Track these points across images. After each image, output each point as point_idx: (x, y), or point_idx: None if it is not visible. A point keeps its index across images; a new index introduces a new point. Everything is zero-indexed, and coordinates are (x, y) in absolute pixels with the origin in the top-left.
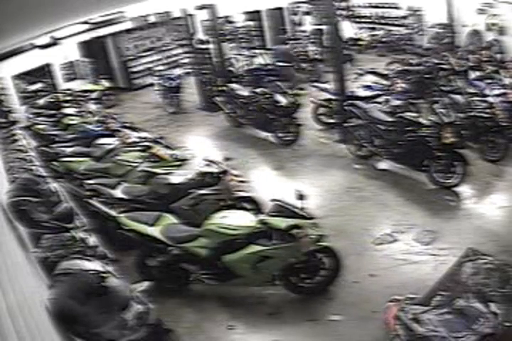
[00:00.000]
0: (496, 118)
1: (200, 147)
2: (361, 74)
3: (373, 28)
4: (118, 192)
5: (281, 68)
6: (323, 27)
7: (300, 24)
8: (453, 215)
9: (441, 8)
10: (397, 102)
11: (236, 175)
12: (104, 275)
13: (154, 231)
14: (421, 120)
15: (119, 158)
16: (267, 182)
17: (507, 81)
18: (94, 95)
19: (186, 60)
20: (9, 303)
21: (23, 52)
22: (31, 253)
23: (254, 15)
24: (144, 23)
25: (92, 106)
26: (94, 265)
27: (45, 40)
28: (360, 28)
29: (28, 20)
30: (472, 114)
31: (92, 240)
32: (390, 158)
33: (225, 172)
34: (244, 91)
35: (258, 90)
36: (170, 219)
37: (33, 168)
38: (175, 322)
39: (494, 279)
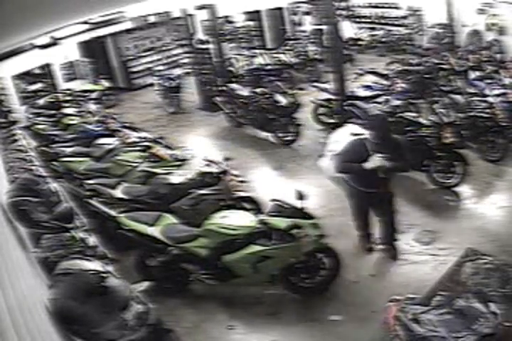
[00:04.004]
0: (496, 118)
1: (200, 147)
2: (361, 74)
3: (373, 28)
4: (118, 192)
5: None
6: (323, 27)
7: (300, 24)
8: (453, 215)
9: (441, 8)
10: (397, 102)
11: (236, 175)
12: (104, 275)
13: (154, 231)
14: (421, 120)
15: (119, 158)
16: (267, 182)
17: (507, 81)
18: (94, 95)
19: (186, 60)
20: (9, 303)
21: (23, 52)
22: (31, 253)
23: (254, 15)
24: (143, 23)
25: (92, 106)
26: (94, 265)
27: (45, 40)
28: (360, 28)
29: (28, 20)
30: (472, 114)
31: (92, 240)
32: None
33: (225, 172)
34: (244, 92)
35: (258, 90)
36: (170, 219)
37: (33, 168)
38: (175, 322)
39: (494, 279)
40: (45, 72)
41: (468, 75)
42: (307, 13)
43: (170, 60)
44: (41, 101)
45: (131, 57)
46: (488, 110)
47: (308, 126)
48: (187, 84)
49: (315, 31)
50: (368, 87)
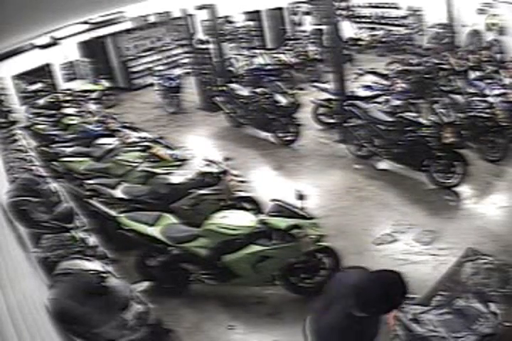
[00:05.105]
0: (496, 118)
1: (200, 147)
2: (361, 74)
3: (373, 28)
4: (118, 192)
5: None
6: (323, 27)
7: (300, 24)
8: (453, 215)
9: (441, 8)
10: (397, 102)
11: (236, 175)
12: (104, 275)
13: (154, 231)
14: (421, 120)
15: (119, 158)
16: (267, 182)
17: (507, 81)
18: (94, 95)
19: (186, 60)
20: (9, 303)
21: (23, 52)
22: (31, 253)
23: (254, 15)
24: (143, 23)
25: (92, 106)
26: (94, 265)
27: (45, 40)
28: (360, 28)
29: (28, 20)
30: (472, 114)
31: (92, 240)
32: (390, 158)
33: (225, 172)
34: (244, 92)
35: (258, 90)
36: (170, 219)
37: (33, 168)
38: (175, 322)
39: (494, 279)
40: (45, 72)
41: (468, 75)
42: (307, 13)
43: (170, 60)
44: (41, 101)
45: (131, 57)
46: (488, 110)
47: (309, 126)
48: (187, 84)
49: (315, 31)
50: (368, 87)
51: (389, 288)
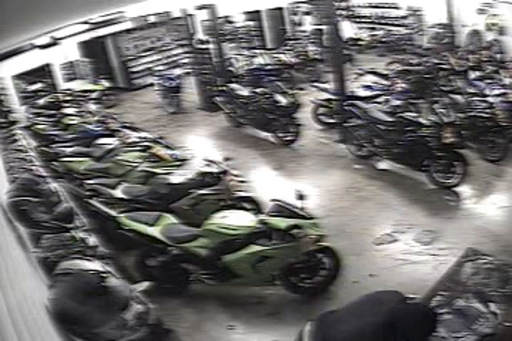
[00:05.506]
0: (496, 118)
1: (200, 147)
2: (361, 74)
3: (373, 28)
4: (118, 192)
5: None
6: (323, 27)
7: (300, 24)
8: (453, 215)
9: (441, 8)
10: (397, 102)
11: (236, 175)
12: (104, 275)
13: (154, 231)
14: (421, 120)
15: (119, 158)
16: (267, 182)
17: (507, 81)
18: (94, 95)
19: (186, 60)
20: (9, 303)
21: (23, 52)
22: (31, 253)
23: (254, 15)
24: (143, 23)
25: (92, 106)
26: (94, 265)
27: (45, 40)
28: (360, 28)
29: (28, 20)
30: (472, 114)
31: (92, 240)
32: (390, 158)
33: (225, 172)
34: (244, 92)
35: (258, 90)
36: (170, 219)
37: (33, 168)
38: (175, 322)
39: (494, 279)
40: (45, 72)
41: (468, 75)
42: (307, 13)
43: (170, 60)
44: (41, 101)
45: (131, 57)
46: (488, 110)
47: (309, 126)
48: (187, 84)
49: (315, 31)
50: (368, 87)
51: (425, 324)
